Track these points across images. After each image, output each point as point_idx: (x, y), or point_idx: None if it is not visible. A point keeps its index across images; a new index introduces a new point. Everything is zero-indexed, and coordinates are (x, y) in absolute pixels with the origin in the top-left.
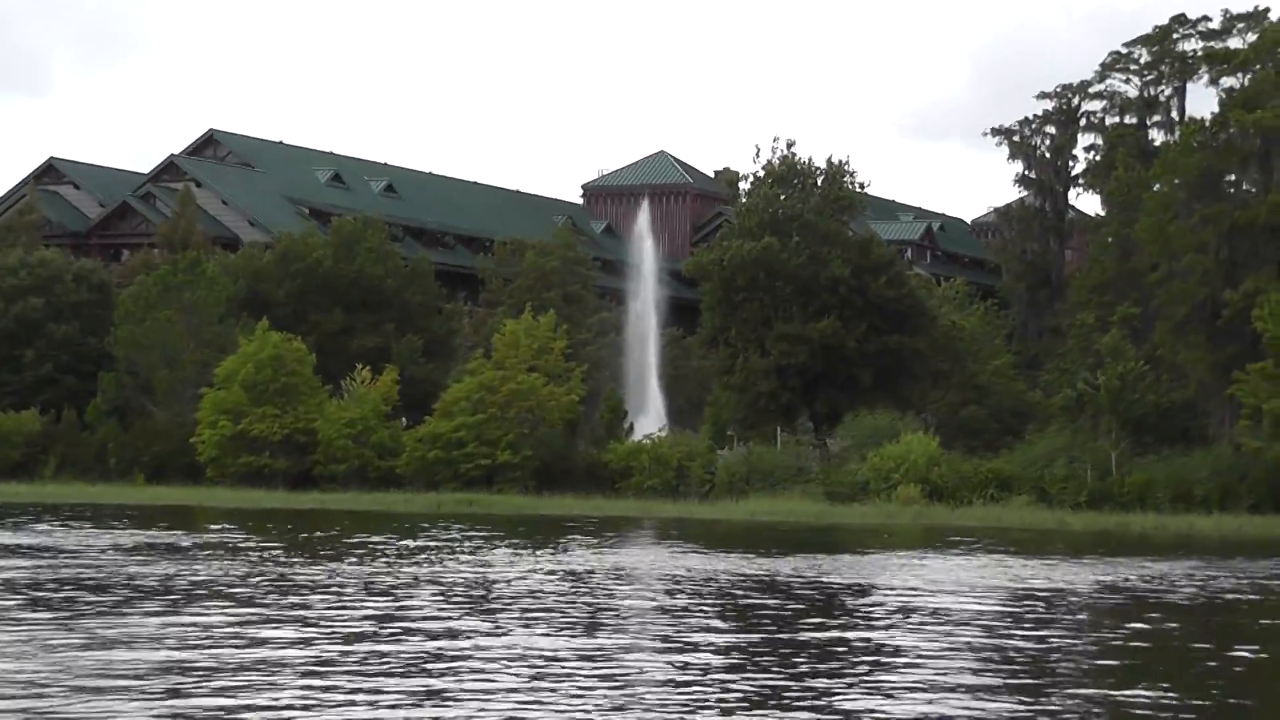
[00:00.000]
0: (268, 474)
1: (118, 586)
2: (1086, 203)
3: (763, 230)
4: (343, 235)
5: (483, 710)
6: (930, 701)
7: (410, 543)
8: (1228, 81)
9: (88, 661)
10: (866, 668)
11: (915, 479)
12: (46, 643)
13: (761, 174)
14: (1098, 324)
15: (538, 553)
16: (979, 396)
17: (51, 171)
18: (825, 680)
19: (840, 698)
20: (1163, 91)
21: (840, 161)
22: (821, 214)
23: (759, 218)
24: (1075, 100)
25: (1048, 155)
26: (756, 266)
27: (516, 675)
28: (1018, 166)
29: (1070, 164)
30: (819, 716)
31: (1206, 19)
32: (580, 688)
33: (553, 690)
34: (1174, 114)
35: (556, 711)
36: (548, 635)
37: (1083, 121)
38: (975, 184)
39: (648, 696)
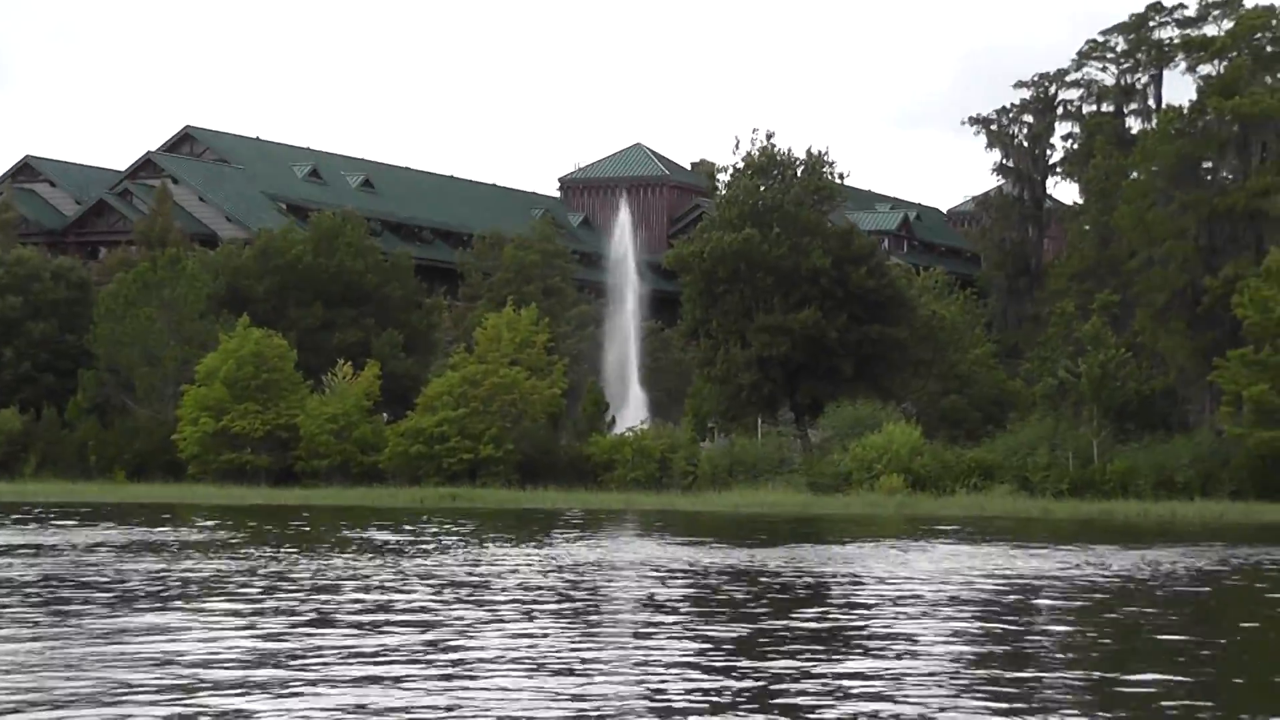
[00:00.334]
0: (249, 470)
1: (118, 585)
2: (1064, 191)
3: (743, 222)
4: (322, 230)
5: (493, 706)
6: (923, 688)
7: (398, 537)
8: (1205, 69)
9: (96, 659)
10: (859, 655)
11: (898, 469)
12: (55, 643)
13: (741, 165)
14: (1078, 312)
15: (527, 546)
16: (960, 386)
17: (27, 169)
18: (820, 668)
19: (831, 689)
20: (1139, 79)
21: (820, 152)
22: (801, 205)
23: (739, 209)
24: (1053, 89)
25: (1025, 144)
26: (737, 258)
27: (518, 667)
28: (995, 155)
29: (1048, 152)
30: (817, 701)
31: (1182, 6)
32: (583, 680)
33: (557, 685)
34: (1151, 102)
35: (563, 704)
36: (550, 628)
37: (1060, 110)
38: (950, 173)
39: (658, 688)
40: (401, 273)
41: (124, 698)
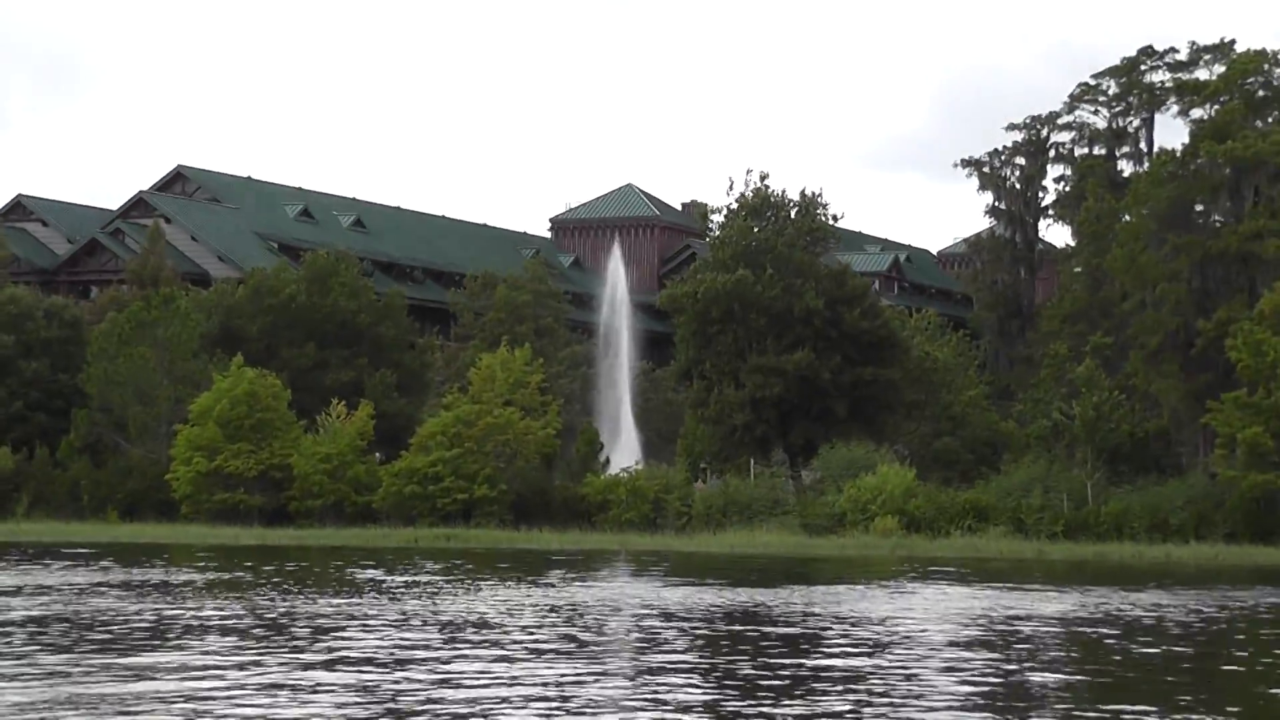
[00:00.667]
0: (243, 510)
1: (123, 625)
2: (1055, 234)
3: (736, 262)
4: (315, 270)
5: None
6: None
7: (398, 578)
8: (1197, 112)
9: (110, 699)
10: (863, 696)
11: (892, 510)
12: (64, 684)
13: (735, 206)
14: (1070, 354)
15: (525, 586)
16: (953, 427)
17: (19, 208)
18: (825, 709)
19: None
20: (1131, 123)
21: (814, 193)
22: (795, 246)
23: (732, 250)
24: (1044, 131)
25: (1018, 186)
26: (730, 299)
27: (528, 708)
28: (986, 197)
29: (1040, 195)
30: None
31: (1174, 50)
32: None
33: None
34: (1142, 145)
35: None
36: (553, 668)
37: (1052, 153)
38: (937, 216)
39: None
40: (395, 313)
41: None
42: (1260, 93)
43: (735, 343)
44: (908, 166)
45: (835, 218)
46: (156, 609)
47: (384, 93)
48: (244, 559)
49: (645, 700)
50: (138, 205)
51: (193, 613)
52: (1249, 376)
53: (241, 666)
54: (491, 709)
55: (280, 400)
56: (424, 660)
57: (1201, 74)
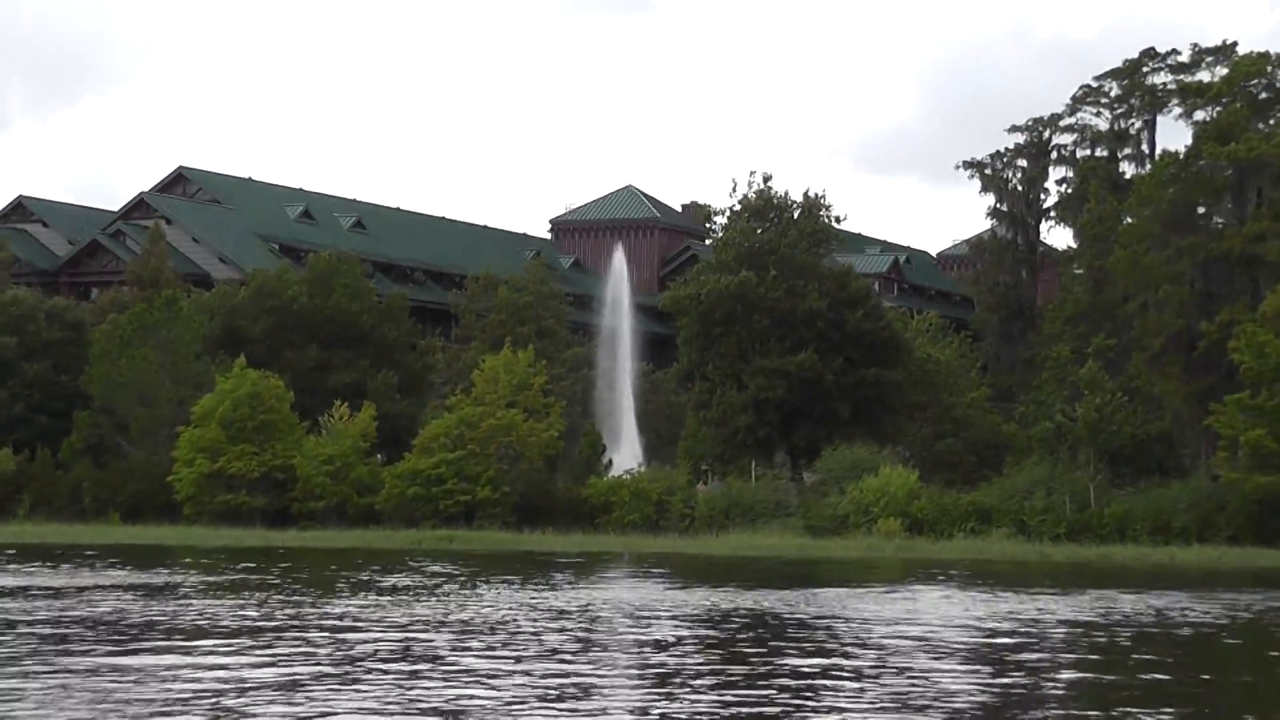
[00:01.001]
0: (245, 512)
1: (139, 626)
2: (1057, 235)
3: (739, 264)
4: (318, 271)
5: None
6: None
7: (406, 580)
8: (1200, 114)
9: (133, 702)
10: (870, 700)
11: (895, 512)
12: (83, 686)
13: (738, 208)
14: (1073, 356)
15: (533, 589)
16: (955, 429)
17: (20, 209)
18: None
19: None
20: (1133, 124)
21: (816, 195)
22: (797, 247)
23: (735, 251)
24: (1046, 133)
25: (1020, 188)
26: (733, 300)
27: (549, 709)
28: (986, 199)
29: (1042, 197)
30: None
31: (1176, 53)
32: None
33: None
34: (1144, 147)
35: None
36: (567, 669)
37: (1054, 155)
38: (934, 218)
39: None
40: (397, 314)
41: None
42: (1263, 95)
43: (738, 344)
44: (902, 168)
45: (838, 219)
46: (180, 610)
47: (384, 94)
48: (253, 560)
49: (659, 702)
50: (138, 206)
51: (211, 613)
52: (1252, 378)
53: (261, 666)
54: (514, 710)
55: (283, 402)
56: (442, 662)
57: (1203, 76)
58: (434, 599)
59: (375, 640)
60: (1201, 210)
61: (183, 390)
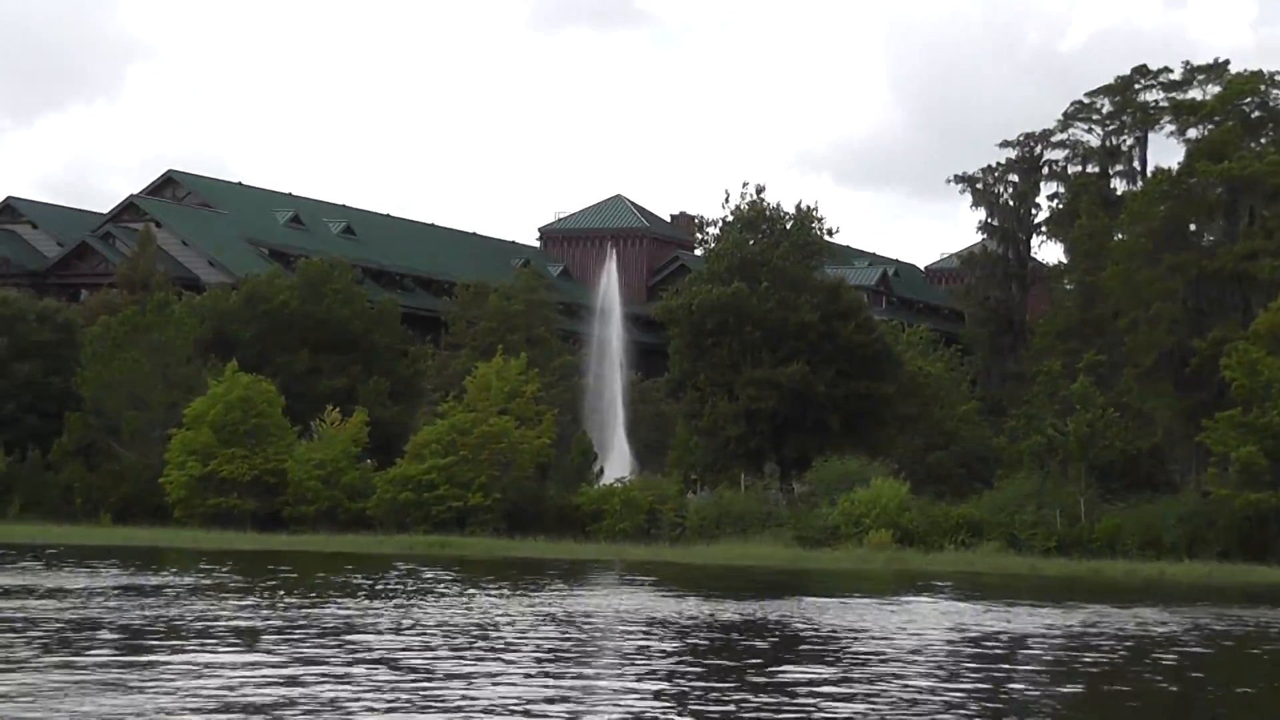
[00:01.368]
0: (236, 515)
1: (139, 628)
2: (1048, 251)
3: (731, 275)
4: (309, 277)
5: None
6: None
7: (398, 584)
8: (1192, 132)
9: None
10: (862, 710)
11: (886, 524)
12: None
13: (730, 218)
14: (1063, 370)
15: (528, 595)
16: (945, 442)
17: (9, 210)
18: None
19: None
20: (1124, 141)
21: (809, 207)
22: (790, 259)
23: (727, 262)
24: (1038, 149)
25: (1011, 203)
26: (725, 311)
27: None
28: (973, 213)
29: (1033, 212)
30: None
31: (1168, 70)
32: None
33: None
34: (1136, 163)
35: None
36: (563, 675)
37: (1045, 170)
38: (920, 231)
39: None
40: (388, 320)
41: None
42: (1255, 113)
43: (730, 355)
44: (886, 182)
45: (830, 232)
46: (182, 612)
47: (374, 100)
48: (247, 564)
49: (652, 710)
50: (128, 209)
51: (212, 615)
52: (1243, 396)
53: (266, 671)
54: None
55: (274, 406)
56: (443, 666)
57: (1195, 94)
58: (435, 604)
59: (380, 645)
60: (1193, 228)
61: (174, 393)
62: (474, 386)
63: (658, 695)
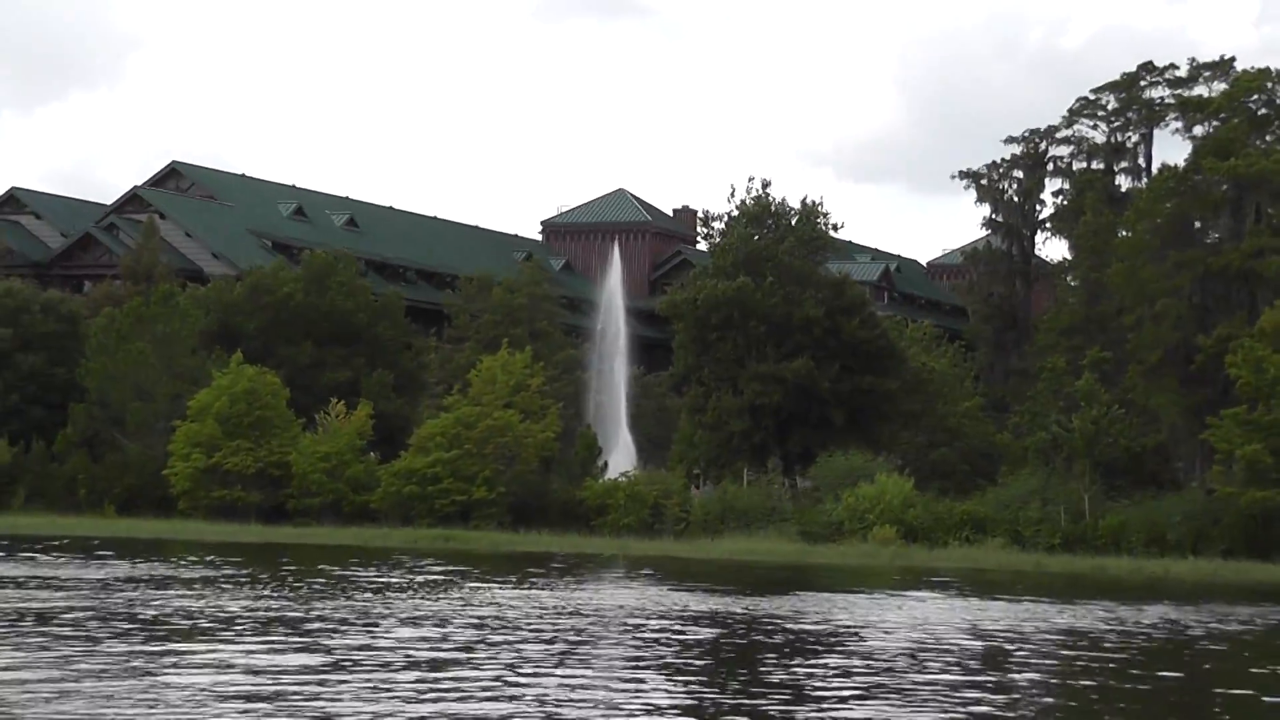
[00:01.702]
0: (240, 507)
1: (158, 619)
2: (1052, 247)
3: (737, 270)
4: (314, 269)
5: None
6: None
7: (409, 577)
8: (1199, 129)
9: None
10: (870, 707)
11: (890, 520)
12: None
13: (735, 213)
14: (1068, 367)
15: (536, 589)
16: (949, 438)
17: (12, 201)
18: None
19: None
20: (1130, 138)
21: (814, 202)
22: (795, 254)
23: (733, 257)
24: (1043, 145)
25: (1015, 199)
26: (730, 306)
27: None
28: (978, 209)
29: (1038, 208)
30: None
31: (1174, 67)
32: None
33: None
34: (1141, 160)
35: None
36: (580, 669)
37: (1050, 166)
38: (921, 226)
39: None
40: (392, 313)
41: None
42: (1262, 110)
43: (734, 350)
44: (886, 177)
45: (835, 227)
46: (199, 603)
47: (377, 92)
48: (254, 556)
49: (669, 705)
50: (132, 200)
51: (219, 607)
52: (1249, 394)
53: (279, 661)
54: (553, 709)
55: (279, 398)
56: (467, 660)
57: (1200, 91)
58: (446, 597)
59: (395, 638)
60: (1199, 225)
61: (179, 384)
62: (478, 380)
63: (672, 690)
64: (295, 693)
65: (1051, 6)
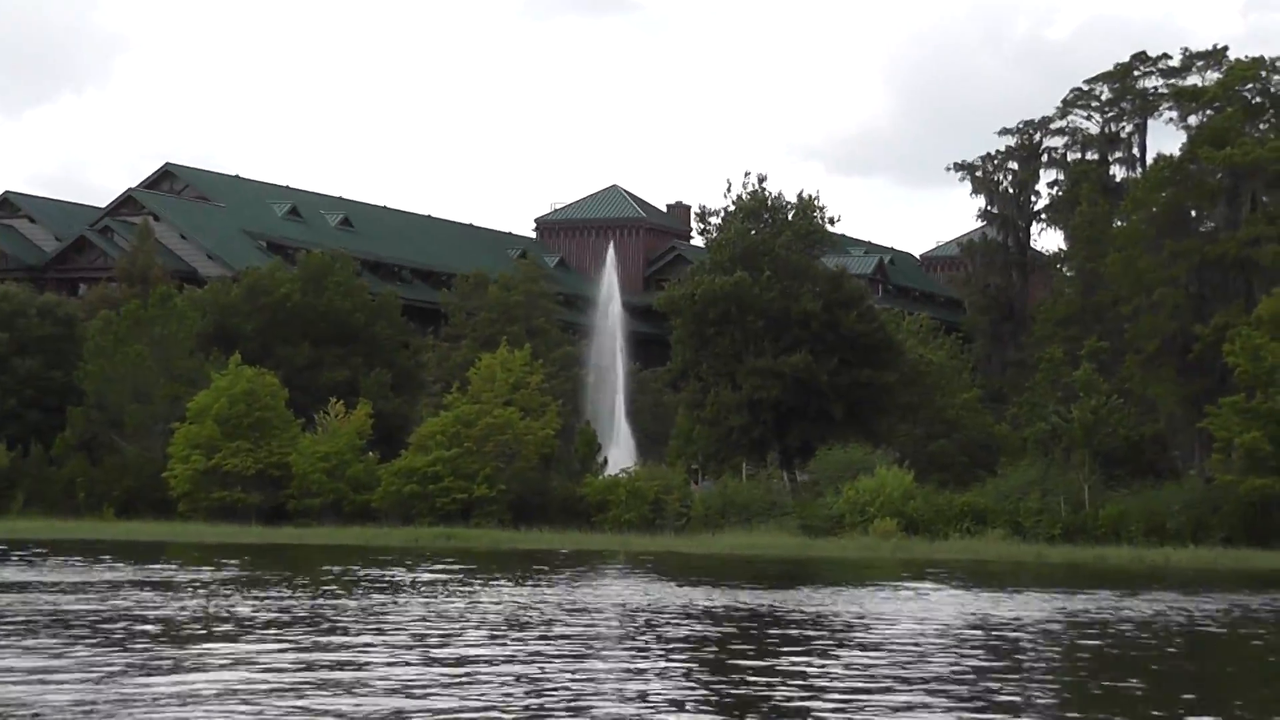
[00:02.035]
0: (240, 509)
1: (171, 620)
2: (1048, 238)
3: (734, 264)
4: (310, 269)
5: None
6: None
7: (417, 576)
8: (1193, 119)
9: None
10: (878, 699)
11: (890, 512)
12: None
13: (732, 208)
14: (1066, 358)
15: (547, 585)
16: (947, 430)
17: (6, 205)
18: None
19: None
20: (1124, 128)
21: (810, 196)
22: (792, 248)
23: (730, 252)
24: (1037, 136)
25: (1011, 190)
26: (728, 301)
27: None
28: (971, 201)
29: (1033, 199)
30: None
31: (1167, 57)
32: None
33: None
34: (1136, 150)
35: None
36: (600, 664)
37: (1045, 157)
38: (911, 219)
39: None
40: (389, 312)
41: None
42: (1256, 99)
43: (733, 345)
44: (875, 170)
45: (832, 221)
46: (213, 603)
47: (370, 92)
48: (256, 556)
49: (690, 698)
50: (126, 203)
51: (235, 609)
52: (1247, 382)
53: (296, 660)
54: (580, 705)
55: (278, 399)
56: (486, 657)
57: (1194, 80)
58: (455, 594)
59: (410, 635)
60: (1195, 214)
61: (177, 386)
62: (478, 377)
63: (681, 684)
64: (320, 689)
65: None
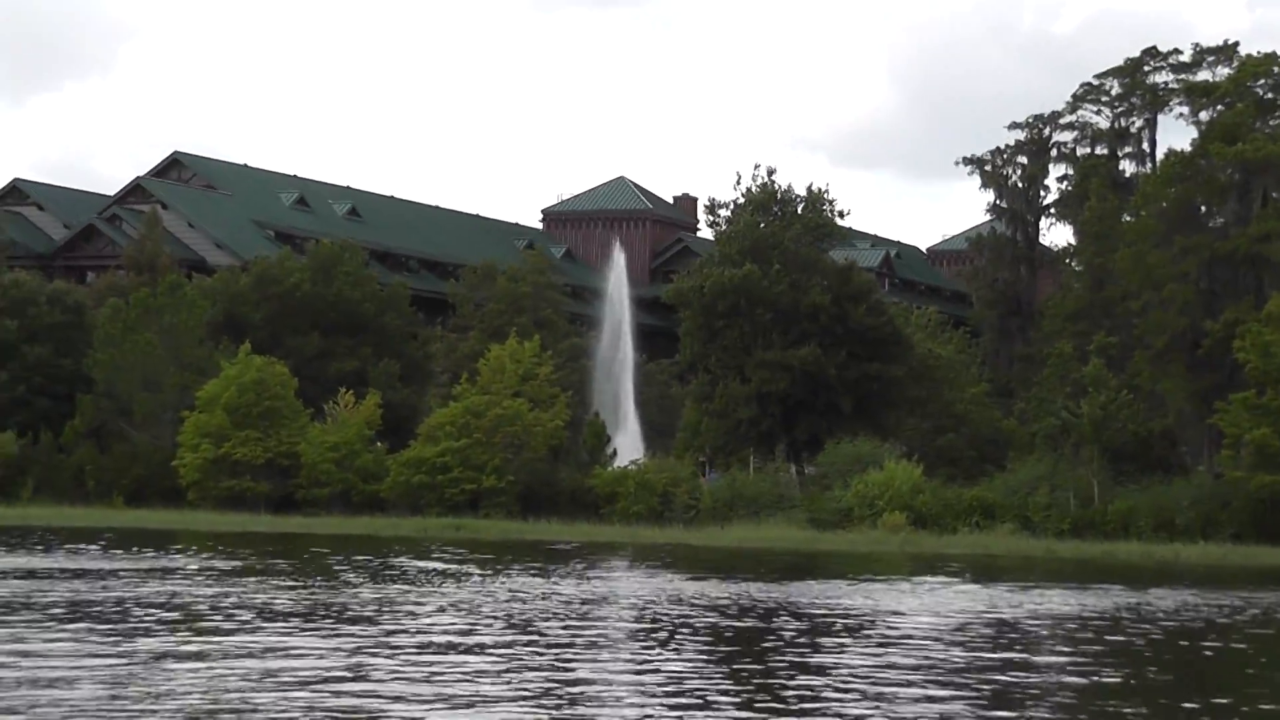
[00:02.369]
0: (249, 497)
1: (197, 609)
2: (1057, 233)
3: (743, 257)
4: (319, 259)
5: None
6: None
7: (423, 565)
8: (1204, 114)
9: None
10: (887, 693)
11: (899, 506)
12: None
13: (741, 201)
14: (1075, 353)
15: (561, 577)
16: (955, 424)
17: (15, 193)
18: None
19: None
20: (1134, 123)
21: (820, 189)
22: (801, 241)
23: (739, 244)
24: (1046, 131)
25: (1020, 185)
26: (737, 293)
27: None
28: (981, 195)
29: (1042, 194)
30: None
31: (1177, 52)
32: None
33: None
34: (1145, 145)
35: None
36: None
37: (1054, 152)
38: (916, 212)
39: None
40: (398, 302)
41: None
42: (1269, 95)
43: (741, 337)
44: (880, 163)
45: (841, 214)
46: (234, 591)
47: (378, 82)
48: (271, 546)
49: (713, 690)
50: (135, 191)
51: (257, 597)
52: (1257, 378)
53: (319, 649)
54: (603, 696)
55: (288, 388)
56: (506, 645)
57: (1204, 75)
58: (468, 585)
59: (433, 624)
60: (1205, 209)
61: (186, 375)
62: (487, 368)
63: (702, 679)
64: (347, 677)
65: None
